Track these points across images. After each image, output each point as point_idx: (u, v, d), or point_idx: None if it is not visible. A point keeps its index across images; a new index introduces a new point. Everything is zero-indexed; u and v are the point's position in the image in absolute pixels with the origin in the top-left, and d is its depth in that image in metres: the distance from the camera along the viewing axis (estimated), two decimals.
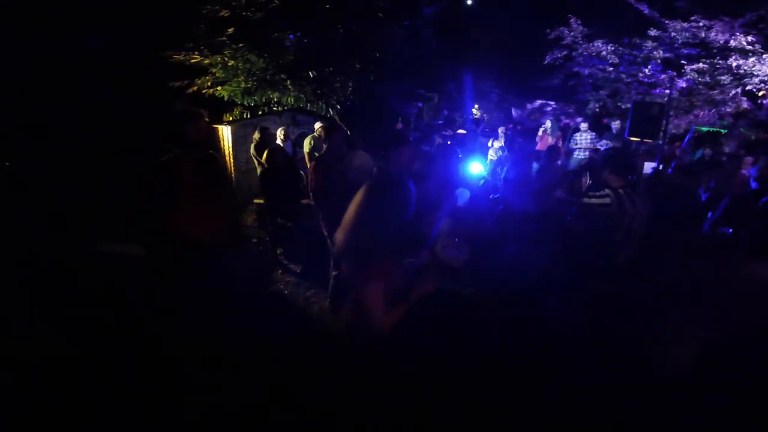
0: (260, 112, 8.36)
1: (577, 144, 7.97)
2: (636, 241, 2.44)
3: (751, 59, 7.65)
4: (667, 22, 8.33)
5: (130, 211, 2.51)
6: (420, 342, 1.67)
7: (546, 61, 9.74)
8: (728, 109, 8.33)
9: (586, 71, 9.35)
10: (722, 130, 8.20)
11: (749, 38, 7.63)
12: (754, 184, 4.66)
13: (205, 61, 7.62)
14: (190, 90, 7.97)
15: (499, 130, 8.29)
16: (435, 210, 2.30)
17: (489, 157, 7.57)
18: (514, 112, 11.93)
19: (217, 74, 7.79)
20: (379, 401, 1.61)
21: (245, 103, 8.31)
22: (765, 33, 7.76)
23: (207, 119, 2.55)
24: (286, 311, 3.65)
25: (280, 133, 6.17)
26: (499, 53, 10.85)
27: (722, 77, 8.08)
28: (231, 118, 8.33)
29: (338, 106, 8.69)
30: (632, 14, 8.70)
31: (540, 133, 8.82)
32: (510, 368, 2.32)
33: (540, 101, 11.18)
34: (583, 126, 8.15)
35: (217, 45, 7.54)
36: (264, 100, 8.41)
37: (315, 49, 7.76)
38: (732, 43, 7.79)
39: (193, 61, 7.61)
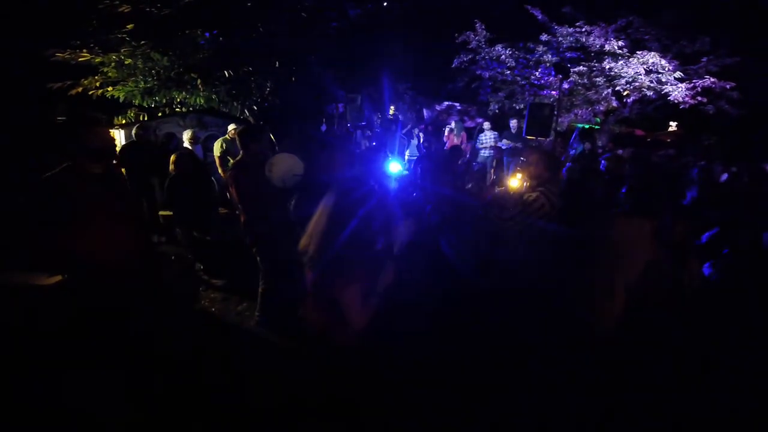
0: (160, 114, 7.68)
1: (482, 143, 8.68)
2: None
3: (620, 62, 8.97)
4: (555, 27, 9.39)
5: (21, 235, 2.18)
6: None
7: (454, 65, 10.39)
8: (601, 108, 9.80)
9: (487, 74, 10.21)
10: (596, 126, 9.63)
11: (620, 42, 8.95)
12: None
13: (96, 60, 6.77)
14: (74, 92, 7.02)
15: (415, 131, 8.72)
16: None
17: (406, 156, 7.93)
18: (425, 112, 12.61)
19: (110, 74, 6.97)
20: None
21: (144, 104, 7.56)
22: (632, 38, 9.14)
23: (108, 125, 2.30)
24: (221, 329, 3.47)
25: (187, 136, 5.73)
26: (413, 56, 11.34)
27: (597, 79, 9.41)
28: (124, 121, 7.53)
29: (254, 108, 8.34)
30: (528, 19, 9.65)
31: (446, 133, 9.46)
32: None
33: (447, 103, 11.94)
34: (486, 125, 8.87)
35: (112, 42, 6.75)
36: (165, 101, 7.74)
37: (232, 48, 7.36)
38: (606, 47, 9.06)
39: (81, 59, 6.71)
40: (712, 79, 8.75)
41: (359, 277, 1.60)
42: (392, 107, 12.26)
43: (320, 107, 9.71)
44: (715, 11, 8.89)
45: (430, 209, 4.24)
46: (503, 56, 9.86)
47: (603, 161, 3.88)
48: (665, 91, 8.95)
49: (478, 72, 10.32)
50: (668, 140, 9.01)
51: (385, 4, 10.93)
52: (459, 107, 11.79)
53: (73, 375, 2.13)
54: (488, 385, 2.51)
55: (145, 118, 7.53)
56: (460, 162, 5.55)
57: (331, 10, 8.83)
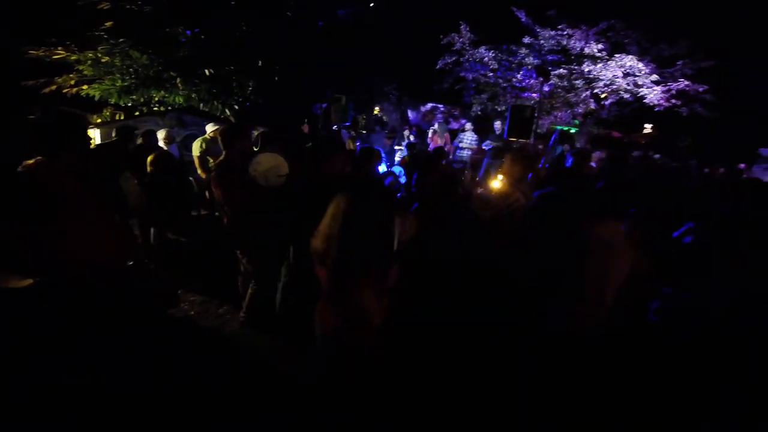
0: (137, 113, 7.53)
1: (462, 142, 8.71)
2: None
3: (599, 65, 9.16)
4: (538, 29, 9.53)
5: None
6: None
7: (438, 66, 10.46)
8: (580, 110, 9.99)
9: (471, 76, 10.31)
10: (573, 129, 9.83)
11: (600, 45, 9.14)
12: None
13: (72, 57, 6.61)
14: (48, 90, 6.82)
15: (405, 133, 8.75)
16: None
17: (397, 158, 7.94)
18: (410, 114, 12.67)
19: (85, 72, 6.80)
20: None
21: (121, 103, 7.40)
22: (612, 41, 9.34)
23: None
24: (202, 332, 3.41)
25: (161, 136, 5.61)
26: (399, 56, 11.37)
27: (576, 81, 9.59)
28: (100, 120, 7.35)
29: (236, 107, 8.23)
30: (511, 21, 9.79)
31: (430, 134, 9.52)
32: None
33: (431, 104, 12.01)
34: (468, 126, 8.85)
35: (90, 40, 6.61)
36: (143, 100, 7.59)
37: (214, 47, 7.25)
38: (586, 50, 9.25)
39: (56, 57, 6.54)
40: (686, 82, 9.02)
41: (378, 277, 1.60)
42: (377, 108, 12.28)
43: (304, 107, 9.64)
44: (694, 15, 9.15)
45: (415, 208, 4.26)
46: (486, 58, 9.97)
47: (570, 158, 3.98)
48: (641, 93, 9.19)
49: (462, 74, 10.41)
50: (643, 141, 9.27)
51: (372, 4, 10.92)
52: (443, 108, 11.90)
53: (52, 379, 2.07)
54: (477, 394, 2.52)
55: (122, 117, 7.37)
56: (443, 162, 5.60)
57: (318, 9, 8.76)
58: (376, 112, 12.12)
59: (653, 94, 9.12)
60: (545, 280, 2.39)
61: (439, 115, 12.13)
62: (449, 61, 10.32)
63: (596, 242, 2.11)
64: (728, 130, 10.28)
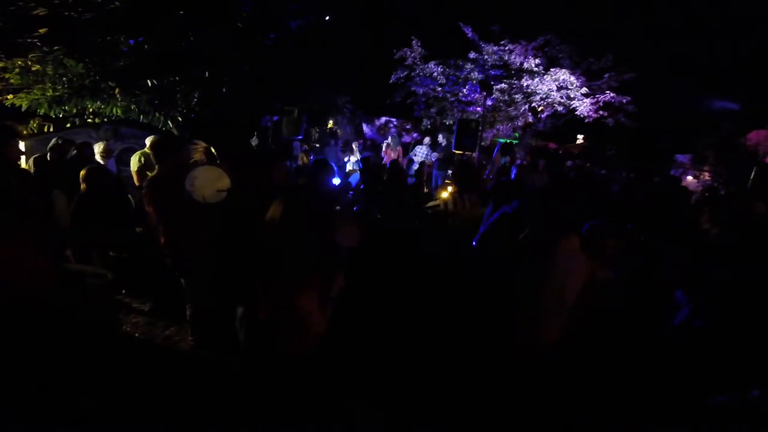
0: (68, 125, 7.05)
1: (416, 155, 9.04)
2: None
3: (536, 79, 9.81)
4: (482, 45, 10.06)
5: None
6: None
7: (391, 80, 10.71)
8: (519, 123, 10.65)
9: (421, 90, 10.69)
10: (515, 141, 10.46)
11: (537, 60, 9.78)
12: None
13: None
14: None
15: (354, 145, 8.88)
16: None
17: (347, 169, 8.04)
18: (365, 127, 12.85)
19: (12, 80, 6.29)
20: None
21: (51, 114, 6.90)
22: (548, 55, 10.01)
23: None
24: (149, 354, 3.24)
25: (99, 149, 5.31)
26: (354, 69, 11.49)
27: (516, 96, 10.21)
28: (26, 132, 6.82)
29: (180, 119, 7.92)
30: (459, 37, 10.28)
31: (384, 148, 9.76)
32: None
33: (385, 118, 12.28)
34: (426, 141, 9.23)
35: (20, 47, 6.13)
36: (75, 111, 7.12)
37: (158, 56, 6.94)
38: (525, 64, 9.87)
39: None
40: (611, 94, 9.88)
41: (316, 282, 1.60)
42: (331, 121, 12.32)
43: (254, 119, 9.44)
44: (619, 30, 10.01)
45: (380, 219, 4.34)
46: (435, 73, 10.37)
47: (514, 169, 4.31)
48: (573, 106, 9.97)
49: (413, 88, 10.74)
50: (576, 152, 10.07)
51: (327, 18, 11.02)
52: (396, 122, 12.19)
53: None
54: (431, 408, 2.50)
55: (51, 129, 6.87)
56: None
57: (271, 20, 8.66)
58: (330, 126, 12.14)
59: (583, 106, 9.91)
60: (508, 292, 2.39)
61: (392, 129, 12.45)
62: (401, 75, 10.62)
63: (561, 257, 2.09)
64: (648, 139, 11.35)
